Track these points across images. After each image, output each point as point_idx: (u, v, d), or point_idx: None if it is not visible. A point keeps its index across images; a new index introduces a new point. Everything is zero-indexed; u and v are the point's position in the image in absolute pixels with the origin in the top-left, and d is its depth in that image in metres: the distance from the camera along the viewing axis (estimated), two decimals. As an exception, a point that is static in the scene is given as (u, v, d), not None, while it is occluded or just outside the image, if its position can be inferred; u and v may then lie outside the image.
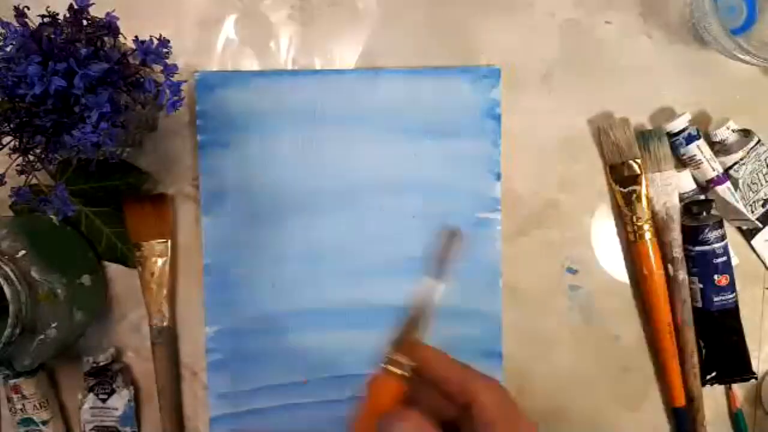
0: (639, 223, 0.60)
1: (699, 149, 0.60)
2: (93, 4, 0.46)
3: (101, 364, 0.60)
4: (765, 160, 0.61)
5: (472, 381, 0.37)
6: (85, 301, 0.56)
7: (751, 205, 0.61)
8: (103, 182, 0.59)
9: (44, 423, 0.60)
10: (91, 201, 0.59)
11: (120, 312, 0.62)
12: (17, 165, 0.48)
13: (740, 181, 0.61)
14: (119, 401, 0.60)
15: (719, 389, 0.64)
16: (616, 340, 0.63)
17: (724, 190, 0.60)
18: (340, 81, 0.60)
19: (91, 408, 0.60)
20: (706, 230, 0.59)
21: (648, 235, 0.60)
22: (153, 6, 0.60)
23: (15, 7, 0.45)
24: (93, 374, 0.60)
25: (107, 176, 0.59)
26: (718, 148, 0.61)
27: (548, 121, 0.62)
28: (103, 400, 0.60)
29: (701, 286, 0.60)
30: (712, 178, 0.60)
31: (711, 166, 0.60)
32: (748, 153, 0.60)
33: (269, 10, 0.61)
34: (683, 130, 0.60)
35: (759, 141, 0.61)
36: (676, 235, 0.60)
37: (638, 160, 0.60)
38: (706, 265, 0.60)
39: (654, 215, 0.61)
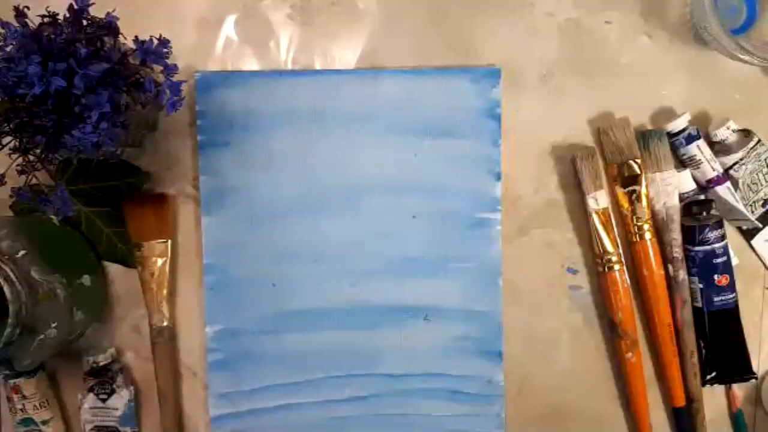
0: (639, 223, 0.60)
1: (699, 149, 0.60)
2: (93, 4, 0.46)
3: (101, 364, 0.60)
4: (765, 160, 0.61)
5: None
6: (85, 301, 0.56)
7: (751, 205, 0.61)
8: (103, 182, 0.59)
9: (44, 423, 0.60)
10: (92, 201, 0.59)
11: (120, 312, 0.62)
12: (17, 165, 0.48)
13: (740, 181, 0.61)
14: (119, 401, 0.60)
15: (719, 389, 0.64)
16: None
17: (724, 190, 0.60)
18: (340, 81, 0.60)
19: (91, 408, 0.60)
20: (706, 230, 0.59)
21: (648, 235, 0.60)
22: (153, 6, 0.60)
23: (15, 7, 0.45)
24: (93, 374, 0.60)
25: (107, 176, 0.59)
26: (718, 148, 0.61)
27: (548, 121, 0.62)
28: (103, 400, 0.60)
29: (701, 286, 0.60)
30: (712, 178, 0.60)
31: (711, 166, 0.60)
32: (748, 153, 0.60)
33: (269, 10, 0.61)
34: (683, 130, 0.60)
35: (759, 141, 0.61)
36: (676, 235, 0.60)
37: (638, 160, 0.60)
38: (706, 265, 0.60)
39: (654, 215, 0.61)
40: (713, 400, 0.64)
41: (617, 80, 0.62)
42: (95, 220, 0.60)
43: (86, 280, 0.57)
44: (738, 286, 0.61)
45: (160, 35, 0.47)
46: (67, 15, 0.46)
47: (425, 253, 0.61)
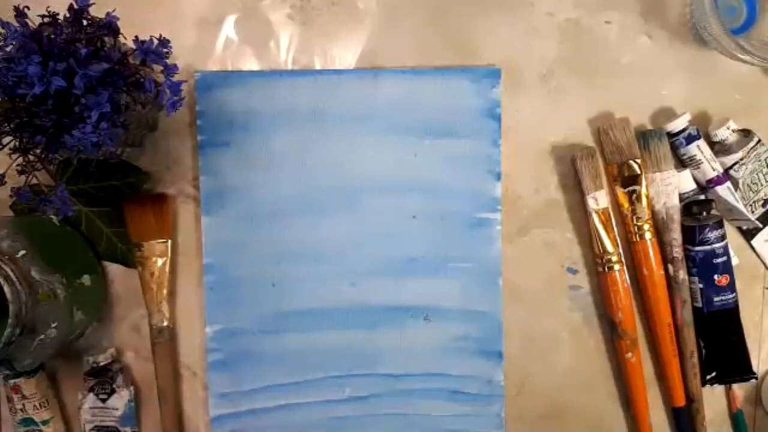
0: (639, 223, 0.60)
1: (699, 149, 0.60)
2: (93, 4, 0.46)
3: (101, 364, 0.60)
4: (765, 160, 0.61)
5: None
6: (85, 301, 0.56)
7: (751, 205, 0.61)
8: (103, 182, 0.59)
9: (44, 423, 0.60)
10: (92, 201, 0.59)
11: (120, 312, 0.62)
12: (17, 165, 0.48)
13: (740, 181, 0.61)
14: (119, 401, 0.60)
15: (719, 389, 0.64)
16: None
17: (724, 190, 0.60)
18: (340, 81, 0.60)
19: (91, 408, 0.60)
20: (706, 230, 0.59)
21: (648, 235, 0.60)
22: (153, 6, 0.60)
23: (15, 7, 0.45)
24: (93, 374, 0.60)
25: (107, 176, 0.59)
26: (718, 148, 0.61)
27: (548, 121, 0.62)
28: (103, 400, 0.60)
29: (701, 286, 0.60)
30: (712, 178, 0.60)
31: (711, 166, 0.60)
32: (748, 153, 0.60)
33: (269, 10, 0.61)
34: (683, 130, 0.60)
35: (759, 141, 0.61)
36: (676, 235, 0.60)
37: (638, 160, 0.60)
38: (706, 265, 0.60)
39: (654, 215, 0.61)
40: (713, 400, 0.64)
41: (617, 80, 0.62)
42: (95, 220, 0.60)
43: (86, 280, 0.57)
44: (738, 286, 0.61)
45: (160, 35, 0.47)
46: (67, 15, 0.46)
47: (425, 253, 0.61)
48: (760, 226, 0.62)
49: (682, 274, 0.61)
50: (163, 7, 0.60)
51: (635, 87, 0.62)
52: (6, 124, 0.46)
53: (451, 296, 0.61)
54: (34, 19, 0.46)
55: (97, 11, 0.47)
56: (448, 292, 0.61)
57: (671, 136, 0.61)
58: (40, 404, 0.59)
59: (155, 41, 0.46)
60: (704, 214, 0.60)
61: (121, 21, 0.47)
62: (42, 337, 0.51)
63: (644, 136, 0.61)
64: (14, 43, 0.44)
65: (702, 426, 0.62)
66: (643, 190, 0.60)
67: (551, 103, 0.62)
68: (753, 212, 0.61)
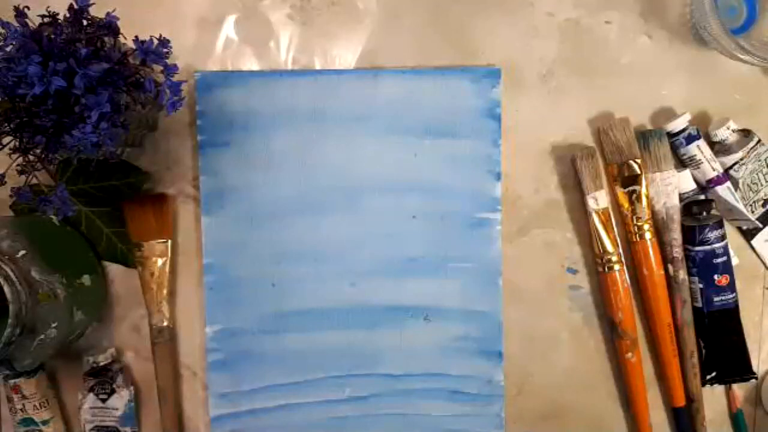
0: (639, 223, 0.60)
1: (699, 149, 0.60)
2: (93, 4, 0.46)
3: (101, 364, 0.60)
4: (765, 160, 0.61)
5: None
6: (85, 301, 0.56)
7: (751, 205, 0.61)
8: (103, 182, 0.59)
9: (44, 423, 0.60)
10: (92, 201, 0.59)
11: (120, 312, 0.62)
12: (17, 165, 0.48)
13: (740, 181, 0.61)
14: (119, 401, 0.60)
15: (719, 389, 0.64)
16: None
17: (724, 190, 0.60)
18: (340, 81, 0.60)
19: (91, 408, 0.60)
20: (706, 230, 0.59)
21: (648, 235, 0.60)
22: (153, 6, 0.60)
23: (15, 7, 0.45)
24: (93, 374, 0.60)
25: (107, 176, 0.59)
26: (718, 148, 0.61)
27: (548, 121, 0.62)
28: (103, 400, 0.60)
29: (701, 286, 0.60)
30: (712, 178, 0.60)
31: (711, 166, 0.60)
32: (748, 153, 0.60)
33: (269, 10, 0.61)
34: (683, 130, 0.60)
35: (759, 141, 0.61)
36: (676, 235, 0.60)
37: (638, 160, 0.60)
38: (706, 265, 0.60)
39: (654, 215, 0.61)
40: (713, 400, 0.64)
41: (617, 80, 0.62)
42: (95, 220, 0.60)
43: (86, 280, 0.57)
44: (738, 286, 0.61)
45: (160, 35, 0.47)
46: (67, 15, 0.46)
47: (425, 253, 0.61)
48: (760, 226, 0.62)
49: (682, 274, 0.61)
50: (163, 7, 0.60)
51: (635, 87, 0.62)
52: (6, 124, 0.46)
53: (451, 296, 0.61)
54: (34, 19, 0.46)
55: (97, 11, 0.47)
56: (448, 292, 0.61)
57: (671, 136, 0.61)
58: (40, 404, 0.59)
59: (155, 41, 0.46)
60: (704, 214, 0.60)
61: (121, 21, 0.47)
62: (42, 337, 0.51)
63: (644, 136, 0.61)
64: (14, 43, 0.44)
65: (702, 426, 0.62)
66: (643, 190, 0.60)
67: (551, 103, 0.62)
68: (753, 212, 0.61)
